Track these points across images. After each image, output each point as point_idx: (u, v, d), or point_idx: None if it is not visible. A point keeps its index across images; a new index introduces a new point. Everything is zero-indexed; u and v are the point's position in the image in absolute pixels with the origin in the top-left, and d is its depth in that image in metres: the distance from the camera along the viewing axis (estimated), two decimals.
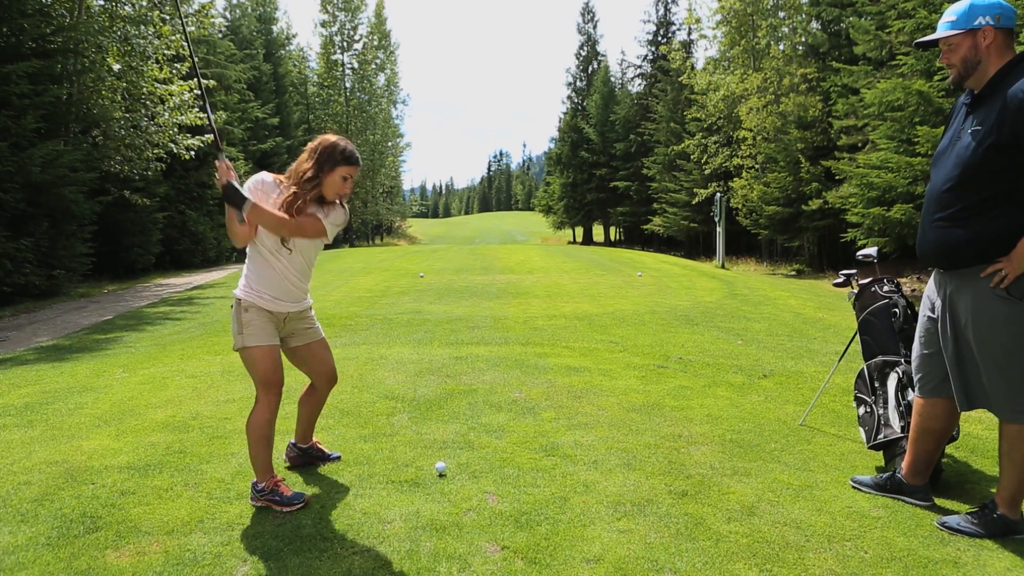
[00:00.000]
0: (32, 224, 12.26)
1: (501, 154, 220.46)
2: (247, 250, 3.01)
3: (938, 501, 3.09)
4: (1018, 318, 2.63)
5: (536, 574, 2.41)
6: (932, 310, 2.92)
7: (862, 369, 3.68)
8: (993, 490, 3.12)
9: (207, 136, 16.68)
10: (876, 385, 3.55)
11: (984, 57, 2.71)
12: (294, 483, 3.18)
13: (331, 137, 3.01)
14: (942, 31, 2.77)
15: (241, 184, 2.93)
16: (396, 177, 53.48)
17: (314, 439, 3.44)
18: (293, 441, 3.41)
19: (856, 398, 3.71)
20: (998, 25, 2.66)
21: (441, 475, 3.19)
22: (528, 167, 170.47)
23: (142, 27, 14.44)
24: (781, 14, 25.68)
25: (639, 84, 44.03)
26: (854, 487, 3.20)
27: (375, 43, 45.64)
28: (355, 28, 43.83)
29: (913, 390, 3.19)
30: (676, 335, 7.25)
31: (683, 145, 31.71)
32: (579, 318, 8.24)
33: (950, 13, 2.75)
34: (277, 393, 2.94)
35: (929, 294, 2.97)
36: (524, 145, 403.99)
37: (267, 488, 2.90)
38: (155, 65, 15.30)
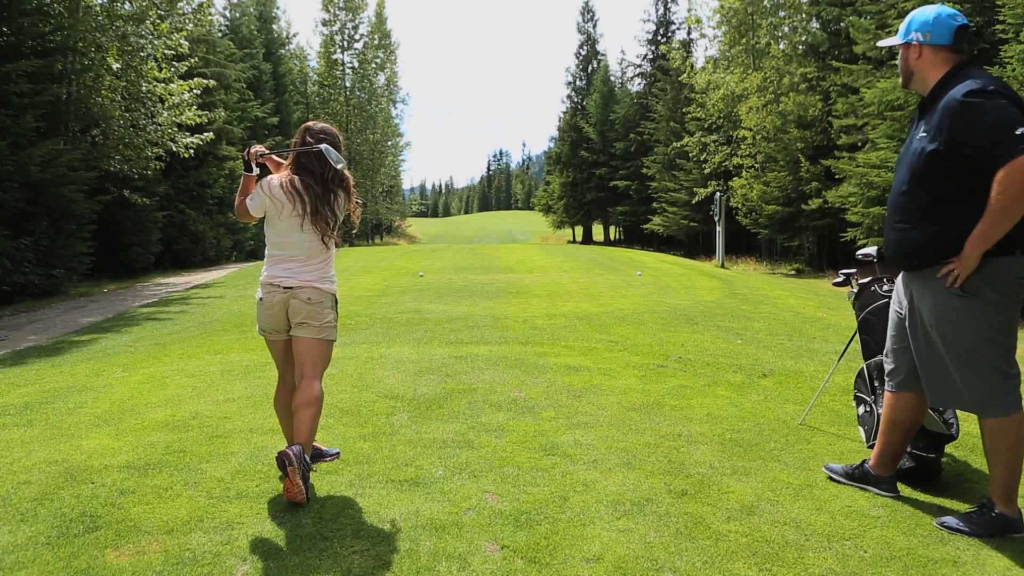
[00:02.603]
0: (31, 223, 12.25)
1: (501, 153, 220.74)
2: (331, 247, 3.18)
3: (938, 500, 3.09)
4: (977, 313, 2.69)
5: (536, 573, 2.41)
6: (900, 307, 3.01)
7: (862, 368, 3.68)
8: None
9: (206, 135, 16.70)
10: (876, 384, 3.55)
11: (915, 69, 2.86)
12: None
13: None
14: (893, 38, 2.96)
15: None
16: (396, 176, 53.52)
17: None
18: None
19: (856, 397, 3.72)
20: (927, 42, 2.79)
21: None
22: (528, 166, 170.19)
23: (141, 25, 14.42)
24: (781, 13, 25.67)
25: (639, 83, 44.04)
26: (828, 476, 3.26)
27: (375, 42, 45.67)
28: (356, 27, 43.84)
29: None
30: (676, 334, 7.25)
31: (682, 143, 31.69)
32: (579, 317, 8.24)
33: (903, 22, 2.91)
34: None
35: (898, 291, 3.05)
36: (524, 144, 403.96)
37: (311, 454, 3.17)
38: (154, 64, 15.29)
